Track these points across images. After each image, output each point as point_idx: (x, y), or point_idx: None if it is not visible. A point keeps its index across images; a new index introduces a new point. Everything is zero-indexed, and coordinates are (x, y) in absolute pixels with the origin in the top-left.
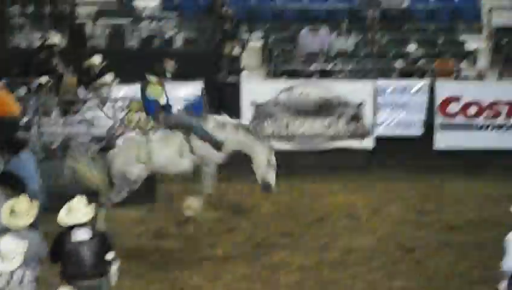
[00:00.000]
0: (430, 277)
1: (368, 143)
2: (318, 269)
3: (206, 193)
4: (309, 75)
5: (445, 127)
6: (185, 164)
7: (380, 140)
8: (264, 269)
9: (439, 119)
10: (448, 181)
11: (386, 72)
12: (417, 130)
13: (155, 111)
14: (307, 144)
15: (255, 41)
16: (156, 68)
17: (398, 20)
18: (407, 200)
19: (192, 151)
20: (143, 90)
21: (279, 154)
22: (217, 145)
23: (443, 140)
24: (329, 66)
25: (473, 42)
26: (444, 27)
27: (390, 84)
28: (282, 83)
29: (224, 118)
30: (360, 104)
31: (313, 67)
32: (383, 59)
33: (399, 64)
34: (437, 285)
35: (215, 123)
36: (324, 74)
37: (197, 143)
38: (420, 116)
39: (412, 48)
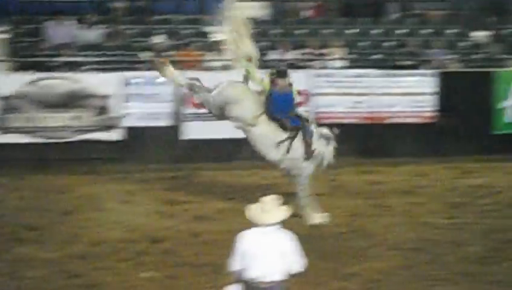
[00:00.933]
0: (177, 267)
1: (116, 135)
2: (64, 262)
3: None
4: (55, 67)
5: (192, 117)
6: (276, 154)
7: (130, 131)
8: (10, 264)
9: (186, 110)
10: (197, 171)
11: (133, 64)
12: (165, 121)
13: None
14: (54, 136)
15: (0, 34)
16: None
17: (145, 12)
18: (157, 190)
19: (288, 151)
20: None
21: (26, 148)
22: (309, 154)
23: (190, 130)
24: (76, 58)
25: (219, 34)
26: (190, 19)
27: (138, 76)
28: (27, 76)
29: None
30: (108, 96)
31: (59, 59)
32: (130, 51)
33: (146, 56)
34: (184, 274)
35: (319, 134)
36: (71, 66)
37: (297, 145)
38: (168, 107)
39: (158, 39)
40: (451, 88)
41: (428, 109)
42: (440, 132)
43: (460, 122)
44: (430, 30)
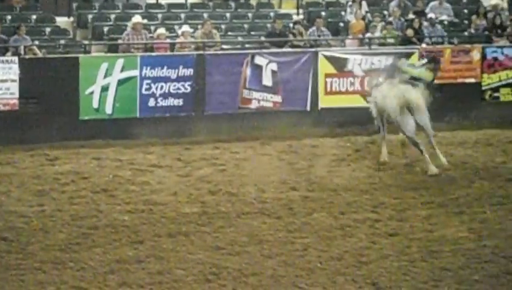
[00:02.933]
0: None
1: None
2: None
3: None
4: None
5: None
6: None
7: None
8: None
9: None
10: None
11: None
12: None
13: None
14: None
15: None
16: None
17: None
18: None
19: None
20: None
21: None
22: None
23: None
24: None
25: None
26: None
27: None
28: None
29: None
30: None
31: None
32: None
33: None
34: None
35: None
36: None
37: None
38: None
39: None
40: (35, 74)
41: (12, 96)
42: (24, 119)
43: (46, 109)
44: (14, 16)
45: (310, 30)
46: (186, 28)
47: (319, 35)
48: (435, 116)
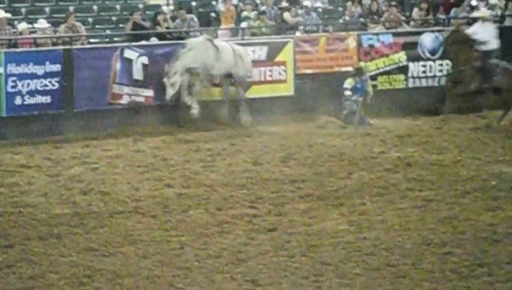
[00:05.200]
0: None
1: None
2: None
3: None
4: None
5: None
6: None
7: None
8: None
9: None
10: None
11: None
12: None
13: None
14: None
15: None
16: None
17: None
18: None
19: None
20: None
21: None
22: None
23: None
24: None
25: None
26: None
27: None
28: None
29: None
30: None
31: None
32: None
33: None
34: None
35: None
36: None
37: None
38: None
39: None
40: None
41: None
42: None
43: None
44: None
45: (176, 21)
46: (43, 23)
47: (188, 26)
48: (312, 106)
